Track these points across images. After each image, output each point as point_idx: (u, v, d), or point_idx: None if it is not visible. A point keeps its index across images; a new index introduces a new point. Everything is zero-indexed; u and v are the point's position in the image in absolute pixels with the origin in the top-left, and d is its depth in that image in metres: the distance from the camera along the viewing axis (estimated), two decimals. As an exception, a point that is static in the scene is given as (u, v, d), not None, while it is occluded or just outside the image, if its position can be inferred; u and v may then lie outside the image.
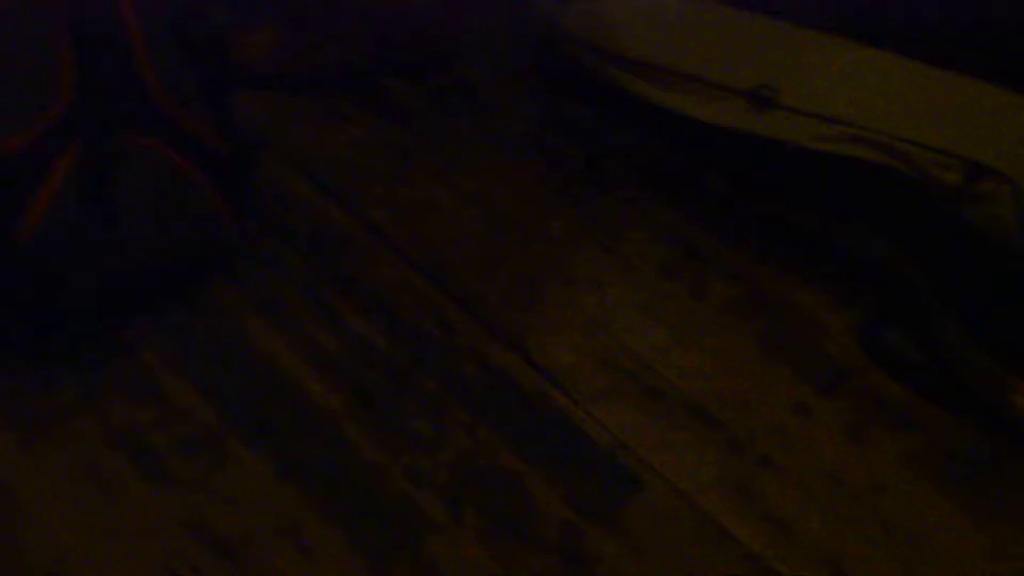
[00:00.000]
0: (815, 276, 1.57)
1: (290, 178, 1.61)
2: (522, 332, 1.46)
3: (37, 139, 1.27)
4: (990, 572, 1.28)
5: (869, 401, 1.44)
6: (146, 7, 1.36)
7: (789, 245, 1.60)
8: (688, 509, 1.30)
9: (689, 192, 1.65)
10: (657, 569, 1.24)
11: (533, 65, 1.82)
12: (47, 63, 1.30)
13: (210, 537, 1.22)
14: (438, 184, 1.64)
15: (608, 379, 1.42)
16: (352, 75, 1.76)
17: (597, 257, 1.57)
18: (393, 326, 1.45)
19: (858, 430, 1.40)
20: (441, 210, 1.60)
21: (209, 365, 1.37)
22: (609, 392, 1.41)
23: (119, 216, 1.30)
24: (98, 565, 1.19)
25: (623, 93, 1.68)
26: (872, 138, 1.55)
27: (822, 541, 1.28)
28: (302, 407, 1.35)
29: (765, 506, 1.31)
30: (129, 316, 1.39)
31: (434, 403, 1.37)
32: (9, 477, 1.25)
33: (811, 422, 1.41)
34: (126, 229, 1.31)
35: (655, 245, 1.58)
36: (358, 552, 1.22)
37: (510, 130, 1.73)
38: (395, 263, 1.52)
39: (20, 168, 1.27)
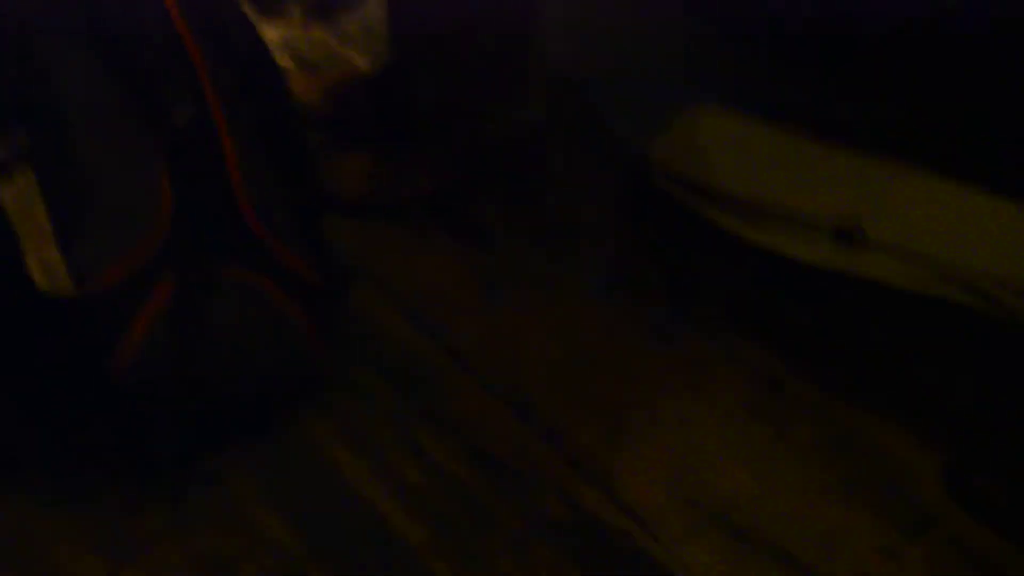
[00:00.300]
0: (902, 417, 1.55)
1: (378, 306, 1.63)
2: (606, 469, 1.46)
3: (134, 271, 1.29)
4: None
5: (957, 548, 1.42)
6: (243, 136, 1.39)
7: (876, 384, 1.59)
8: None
9: (776, 329, 1.64)
10: None
11: (622, 196, 1.83)
12: (146, 193, 1.32)
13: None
14: (524, 315, 1.64)
15: (692, 519, 1.41)
16: (441, 202, 1.78)
17: (682, 394, 1.56)
18: (478, 460, 1.45)
19: (946, 577, 1.39)
20: (526, 342, 1.61)
21: (296, 496, 1.38)
22: (693, 533, 1.40)
23: (212, 348, 1.32)
24: None
25: (711, 226, 1.70)
26: (961, 276, 1.55)
27: None
28: (388, 541, 1.35)
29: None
30: (217, 445, 1.41)
31: (519, 540, 1.36)
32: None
33: (898, 568, 1.39)
34: (219, 361, 1.33)
35: (741, 383, 1.58)
36: None
37: (597, 261, 1.73)
38: (481, 395, 1.53)
39: (117, 300, 1.29)
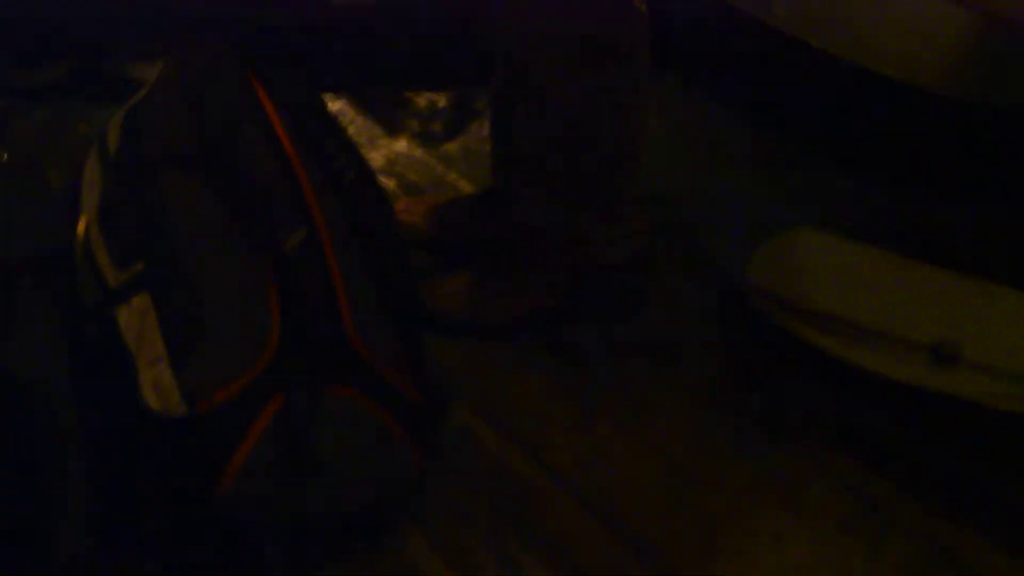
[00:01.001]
0: (996, 535, 1.55)
1: (475, 423, 1.66)
2: (700, 585, 1.47)
3: (243, 390, 1.32)
4: None
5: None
6: (348, 258, 1.43)
7: (973, 503, 1.58)
8: None
9: (870, 445, 1.65)
10: None
11: (719, 315, 1.86)
12: (255, 315, 1.36)
13: None
14: (618, 432, 1.67)
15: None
16: (540, 323, 1.81)
17: (776, 509, 1.57)
18: (571, 574, 1.47)
19: None
20: (620, 458, 1.63)
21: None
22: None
23: (317, 467, 1.35)
24: None
25: (805, 345, 1.71)
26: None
27: None
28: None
29: None
30: (318, 559, 1.44)
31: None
32: None
33: None
34: (323, 479, 1.35)
35: (835, 499, 1.58)
36: None
37: (691, 379, 1.75)
38: (576, 512, 1.55)
39: (226, 419, 1.32)
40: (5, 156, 1.93)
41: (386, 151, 2.12)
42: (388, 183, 2.03)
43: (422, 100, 2.20)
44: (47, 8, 2.16)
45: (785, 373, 1.75)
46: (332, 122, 1.62)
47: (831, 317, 1.71)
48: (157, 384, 1.32)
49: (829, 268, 1.83)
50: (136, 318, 1.36)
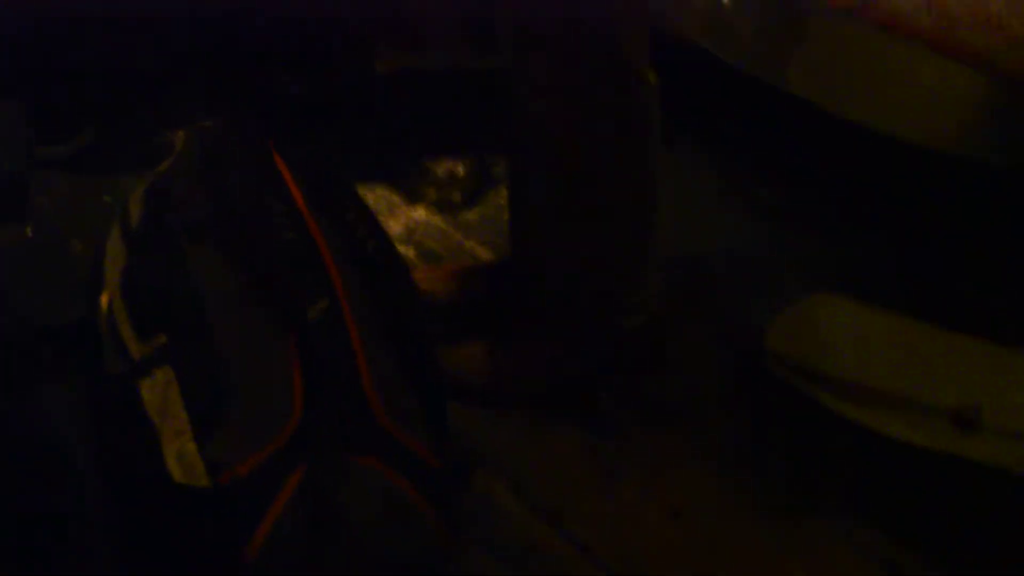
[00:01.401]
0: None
1: (497, 489, 1.66)
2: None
3: (267, 461, 1.32)
4: None
5: None
6: (369, 327, 1.44)
7: (995, 568, 1.58)
8: None
9: (894, 512, 1.64)
10: None
11: (738, 380, 1.86)
12: (278, 386, 1.36)
13: None
14: (643, 498, 1.66)
15: None
16: (559, 387, 1.81)
17: (803, 578, 1.57)
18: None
19: None
20: (647, 525, 1.63)
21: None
22: None
23: (340, 537, 1.35)
24: None
25: (827, 411, 1.71)
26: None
27: None
28: None
29: None
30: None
31: None
32: None
33: None
34: (346, 549, 1.35)
35: (862, 567, 1.58)
36: None
37: (716, 445, 1.75)
38: (598, 579, 1.55)
39: (250, 490, 1.31)
40: (29, 231, 1.94)
41: (405, 219, 2.13)
42: (407, 251, 2.04)
43: (440, 168, 2.21)
44: (66, 80, 2.18)
45: (808, 438, 1.74)
46: (351, 192, 1.64)
47: (851, 384, 1.71)
48: (181, 456, 1.33)
49: (848, 334, 1.83)
50: (159, 391, 1.37)
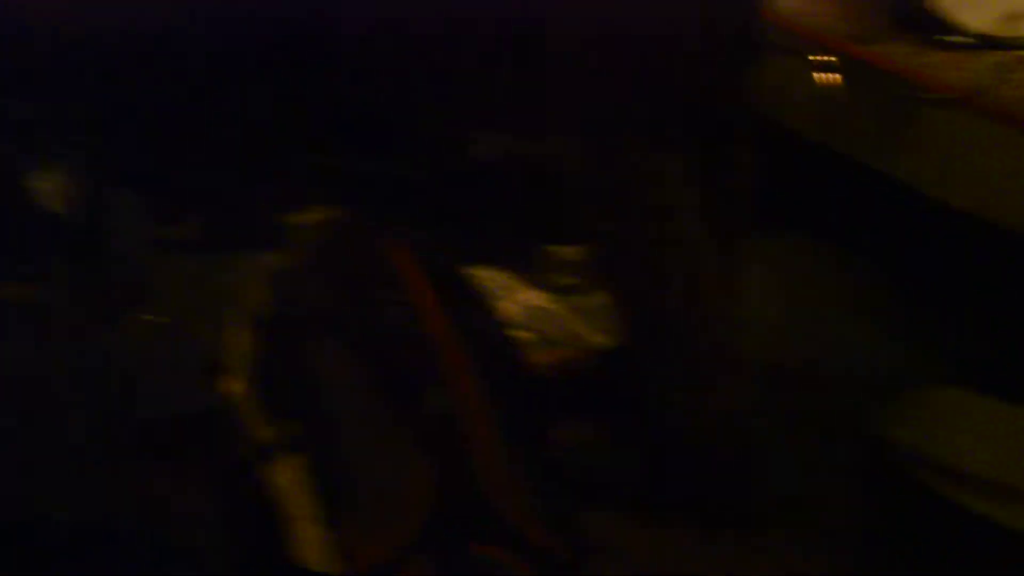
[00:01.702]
0: None
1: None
2: None
3: (395, 551, 1.35)
4: None
5: None
6: (491, 415, 1.45)
7: None
8: None
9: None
10: None
11: (854, 472, 1.83)
12: (405, 477, 1.41)
13: None
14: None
15: None
16: (675, 484, 1.79)
17: None
18: None
19: None
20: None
21: None
22: None
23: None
24: None
25: (956, 507, 1.68)
26: None
27: None
28: None
29: None
30: None
31: None
32: None
33: None
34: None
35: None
36: None
37: (834, 545, 1.73)
38: None
39: (380, 578, 1.34)
40: (150, 316, 1.97)
41: (522, 304, 2.13)
42: (524, 336, 2.04)
43: (559, 253, 2.21)
44: (180, 163, 2.22)
45: (937, 536, 1.71)
46: (469, 282, 1.65)
47: (980, 477, 1.68)
48: (310, 542, 1.34)
49: (971, 426, 1.80)
50: (289, 477, 1.39)
